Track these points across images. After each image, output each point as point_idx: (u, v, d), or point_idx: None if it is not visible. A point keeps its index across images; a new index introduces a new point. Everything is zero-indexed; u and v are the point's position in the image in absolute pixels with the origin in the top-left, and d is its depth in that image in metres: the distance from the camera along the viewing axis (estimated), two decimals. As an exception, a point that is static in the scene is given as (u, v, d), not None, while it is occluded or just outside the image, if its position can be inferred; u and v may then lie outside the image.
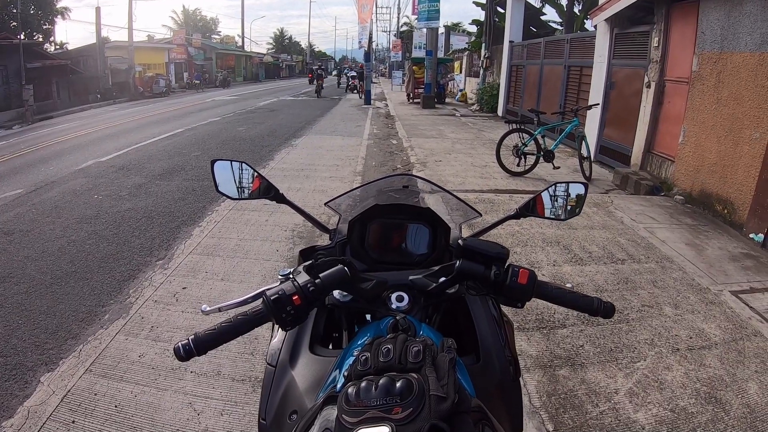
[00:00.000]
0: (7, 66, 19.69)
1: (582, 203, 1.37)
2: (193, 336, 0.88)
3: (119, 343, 2.94)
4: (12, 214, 5.63)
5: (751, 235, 4.55)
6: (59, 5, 26.82)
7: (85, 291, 3.67)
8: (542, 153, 6.67)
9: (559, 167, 6.83)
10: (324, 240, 1.49)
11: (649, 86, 6.56)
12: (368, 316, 1.19)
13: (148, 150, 9.56)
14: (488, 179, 6.69)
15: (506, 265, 1.01)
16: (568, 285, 1.10)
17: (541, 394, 2.40)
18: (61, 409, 2.36)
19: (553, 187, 1.36)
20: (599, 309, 1.03)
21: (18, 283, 3.83)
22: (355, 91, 24.76)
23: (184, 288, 3.64)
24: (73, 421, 2.28)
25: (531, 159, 6.77)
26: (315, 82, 24.84)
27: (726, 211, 5.01)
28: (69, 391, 2.50)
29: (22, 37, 20.88)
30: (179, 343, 0.87)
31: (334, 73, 33.87)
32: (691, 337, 2.90)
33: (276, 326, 1.07)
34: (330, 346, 1.23)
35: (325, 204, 1.49)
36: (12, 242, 4.73)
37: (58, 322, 3.22)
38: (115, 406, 2.38)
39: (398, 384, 0.63)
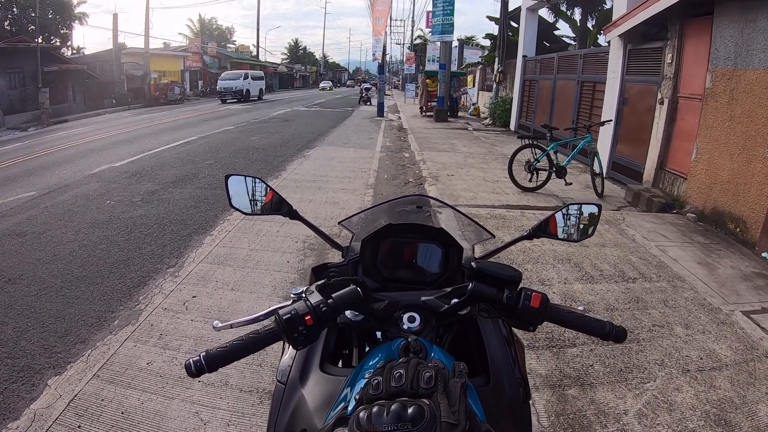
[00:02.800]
0: (24, 69, 20.08)
1: (595, 224, 1.37)
2: (204, 353, 0.88)
3: (128, 349, 2.95)
4: (25, 216, 5.70)
5: (763, 254, 4.49)
6: (77, 11, 27.50)
7: (95, 296, 3.70)
8: (554, 169, 6.64)
9: (571, 183, 6.80)
10: (334, 253, 1.51)
11: (662, 103, 6.54)
12: (378, 334, 1.19)
13: (162, 157, 9.66)
14: (500, 194, 6.67)
15: (519, 288, 1.00)
16: (580, 308, 1.09)
17: (549, 414, 2.37)
18: (68, 414, 2.37)
19: (566, 207, 1.36)
20: (611, 333, 1.03)
21: (28, 285, 3.87)
22: (368, 103, 27.38)
23: (194, 297, 3.65)
24: (79, 426, 2.29)
25: (543, 175, 6.74)
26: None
27: (738, 230, 4.95)
28: (76, 395, 2.51)
29: (40, 40, 21.31)
30: (191, 360, 0.87)
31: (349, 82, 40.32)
32: (701, 358, 2.86)
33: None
34: (340, 364, 1.22)
35: (339, 223, 1.51)
36: (24, 244, 4.79)
37: (68, 326, 3.25)
38: (122, 413, 2.38)
39: (410, 410, 0.63)
